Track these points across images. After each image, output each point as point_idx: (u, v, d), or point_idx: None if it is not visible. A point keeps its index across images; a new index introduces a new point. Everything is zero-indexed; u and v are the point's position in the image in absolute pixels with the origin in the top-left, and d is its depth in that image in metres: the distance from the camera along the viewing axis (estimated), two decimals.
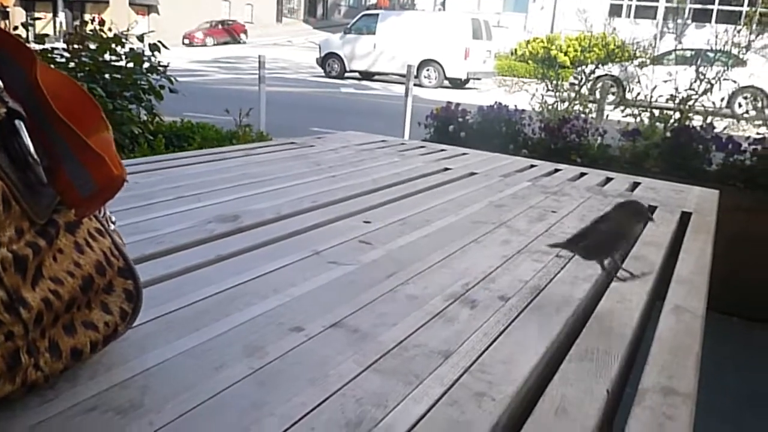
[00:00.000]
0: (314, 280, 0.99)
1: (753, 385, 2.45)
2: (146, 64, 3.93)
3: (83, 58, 3.71)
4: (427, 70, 15.63)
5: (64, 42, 3.84)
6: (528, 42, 19.39)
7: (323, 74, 16.80)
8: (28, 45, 0.59)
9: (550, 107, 4.38)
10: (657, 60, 6.53)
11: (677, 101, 4.01)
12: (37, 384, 0.59)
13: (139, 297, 0.71)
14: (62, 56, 3.73)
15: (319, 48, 17.34)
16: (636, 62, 6.10)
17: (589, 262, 0.98)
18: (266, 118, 6.15)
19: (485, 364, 0.75)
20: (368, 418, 0.62)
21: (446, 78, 15.59)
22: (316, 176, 1.81)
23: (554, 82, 4.63)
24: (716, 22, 17.00)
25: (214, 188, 1.56)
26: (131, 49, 3.92)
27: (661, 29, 13.20)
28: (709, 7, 19.82)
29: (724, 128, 3.95)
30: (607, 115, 4.60)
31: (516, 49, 19.44)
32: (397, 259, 1.13)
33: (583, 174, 2.24)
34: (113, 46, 3.80)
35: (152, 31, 4.38)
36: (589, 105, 4.40)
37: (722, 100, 4.09)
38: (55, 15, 25.24)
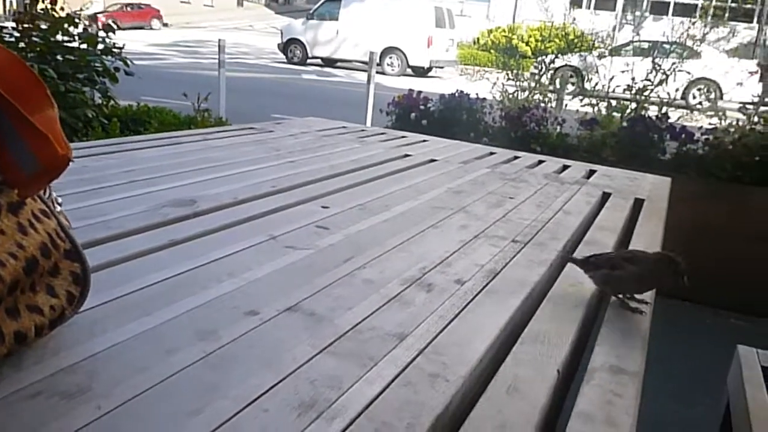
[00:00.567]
0: (270, 265, 0.98)
1: (700, 365, 2.54)
2: (100, 46, 3.82)
3: (34, 38, 3.58)
4: (390, 57, 15.59)
5: (13, 21, 3.70)
6: (490, 31, 19.52)
7: (285, 60, 16.58)
8: None
9: (510, 96, 4.43)
10: (615, 51, 6.63)
11: (634, 92, 4.10)
12: None
13: (87, 280, 0.69)
14: (11, 35, 3.60)
15: (281, 33, 17.08)
16: (595, 53, 6.20)
17: (587, 274, 0.99)
18: (226, 104, 6.05)
19: (440, 346, 0.76)
20: (322, 399, 0.62)
21: (409, 66, 15.59)
22: (275, 161, 1.79)
23: (515, 71, 4.67)
24: (673, 14, 17.36)
25: (169, 173, 1.53)
26: (85, 29, 3.80)
27: (619, 21, 13.46)
28: None
29: (678, 118, 4.06)
30: (566, 105, 4.67)
31: (478, 38, 19.55)
32: (355, 244, 1.13)
33: (541, 161, 2.27)
34: (66, 26, 3.67)
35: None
36: (549, 94, 4.46)
37: (677, 91, 4.19)
38: None
